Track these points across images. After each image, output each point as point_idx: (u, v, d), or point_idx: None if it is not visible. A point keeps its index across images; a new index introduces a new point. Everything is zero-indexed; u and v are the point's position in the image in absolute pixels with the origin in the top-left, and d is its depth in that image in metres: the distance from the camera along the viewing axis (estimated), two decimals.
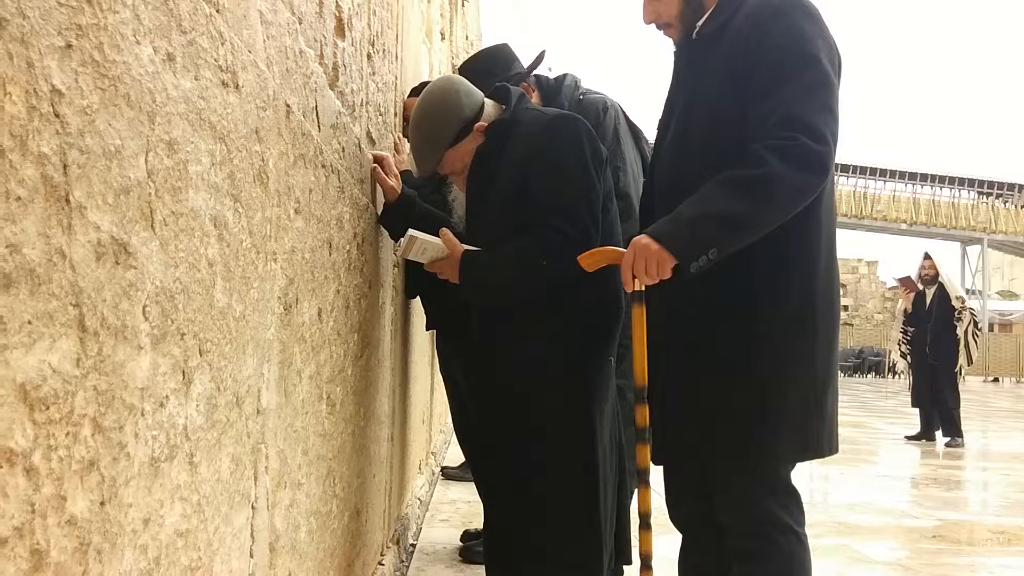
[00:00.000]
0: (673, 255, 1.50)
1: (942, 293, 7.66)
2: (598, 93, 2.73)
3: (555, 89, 2.69)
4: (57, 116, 0.60)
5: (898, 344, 8.11)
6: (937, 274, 7.75)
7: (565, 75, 2.75)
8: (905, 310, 8.06)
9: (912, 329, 7.88)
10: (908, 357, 7.97)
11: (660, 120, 1.75)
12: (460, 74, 2.68)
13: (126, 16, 0.70)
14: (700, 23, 1.70)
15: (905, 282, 8.03)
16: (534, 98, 2.68)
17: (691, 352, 1.63)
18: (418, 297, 2.98)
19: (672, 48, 1.78)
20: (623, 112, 2.72)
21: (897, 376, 19.31)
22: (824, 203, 1.60)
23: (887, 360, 24.21)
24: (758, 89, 1.53)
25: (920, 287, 7.87)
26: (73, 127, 0.62)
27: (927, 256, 7.92)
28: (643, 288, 1.60)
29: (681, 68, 1.73)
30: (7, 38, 0.54)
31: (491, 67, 2.59)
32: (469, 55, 3.77)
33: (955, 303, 7.57)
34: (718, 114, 1.58)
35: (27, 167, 0.57)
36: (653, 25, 1.73)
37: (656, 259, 1.50)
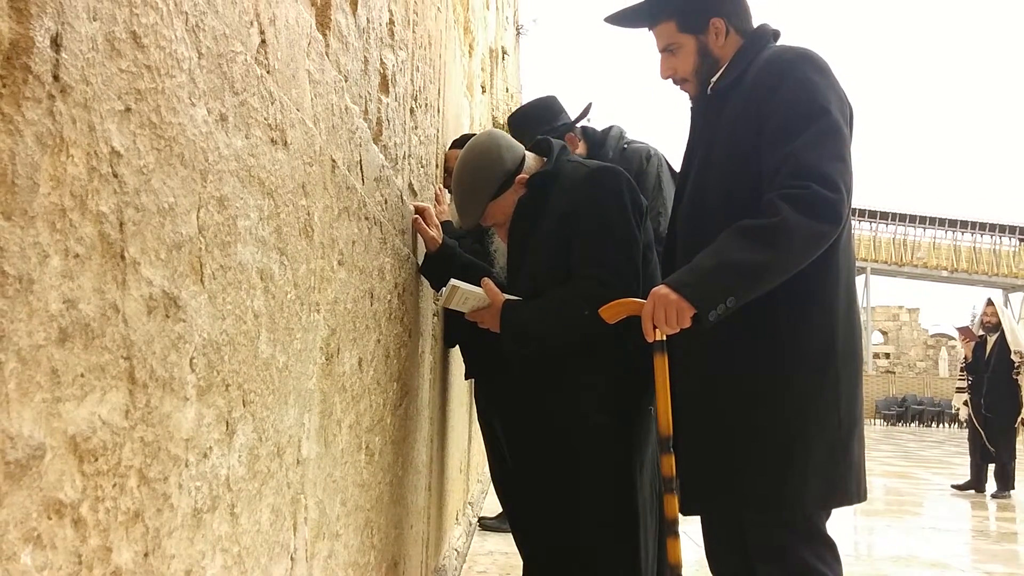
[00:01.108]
0: (691, 304, 1.50)
1: (1003, 342, 7.45)
2: (642, 143, 2.75)
3: (600, 140, 2.72)
4: (115, 176, 0.62)
5: (960, 392, 7.91)
6: (999, 322, 7.54)
7: (611, 127, 2.79)
8: (965, 358, 7.86)
9: (971, 378, 7.67)
10: (969, 404, 7.74)
11: (680, 172, 1.78)
12: (508, 123, 2.73)
13: (182, 80, 0.72)
14: (715, 78, 1.74)
15: (964, 332, 7.85)
16: (580, 148, 2.71)
17: (712, 401, 1.62)
18: (457, 346, 2.98)
19: (689, 103, 1.82)
20: (666, 160, 2.74)
21: (961, 425, 18.78)
22: (841, 247, 1.60)
23: (937, 408, 23.52)
24: (771, 140, 1.56)
25: (980, 335, 7.67)
26: (130, 186, 0.64)
27: (989, 302, 7.72)
28: (664, 338, 1.60)
29: (698, 122, 1.76)
30: (71, 103, 0.56)
31: (539, 117, 2.64)
32: (510, 107, 3.82)
33: (1014, 357, 7.35)
34: (733, 166, 1.60)
35: (86, 225, 0.58)
36: (670, 80, 1.77)
37: (675, 308, 1.52)
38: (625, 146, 2.70)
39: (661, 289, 1.54)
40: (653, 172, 2.62)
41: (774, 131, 1.55)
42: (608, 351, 1.84)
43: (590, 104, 2.73)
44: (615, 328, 1.74)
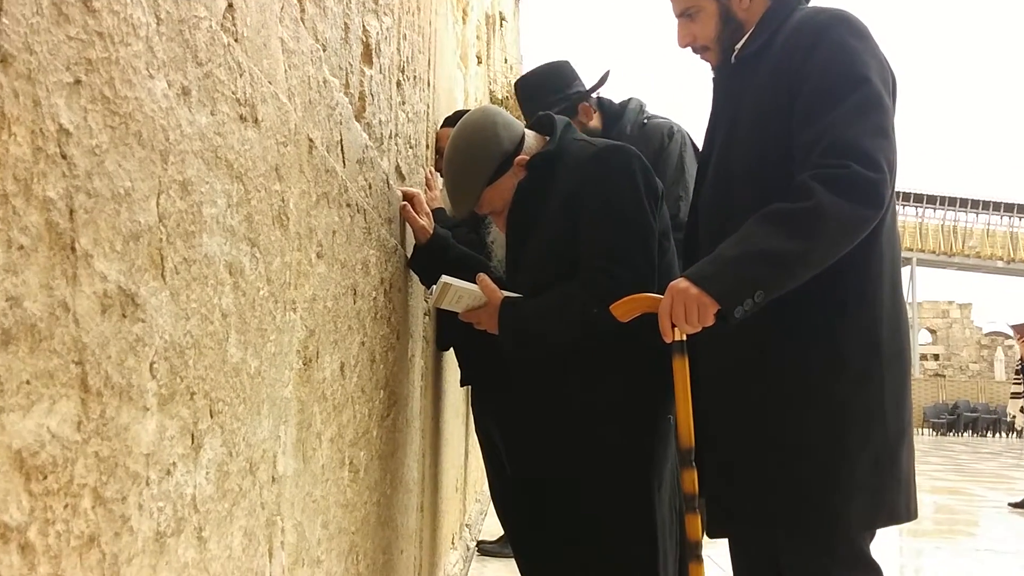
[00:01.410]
0: (715, 299, 1.49)
1: None
2: (663, 118, 2.74)
3: (618, 113, 2.71)
4: (64, 157, 0.61)
5: (1016, 397, 7.88)
6: None
7: (630, 99, 2.77)
8: (1021, 359, 7.84)
9: None
10: None
11: (701, 154, 1.77)
12: (515, 90, 2.73)
13: (139, 49, 0.72)
14: (739, 45, 1.72)
15: (1021, 329, 7.82)
16: (595, 120, 2.70)
17: (742, 413, 1.61)
18: (451, 349, 2.98)
19: (711, 74, 1.80)
20: (690, 139, 2.72)
21: (1019, 435, 18.76)
22: (884, 235, 1.59)
23: (995, 415, 23.48)
24: (804, 114, 1.54)
25: None
26: (81, 169, 0.63)
27: None
28: (684, 338, 1.59)
29: (721, 94, 1.75)
30: (13, 75, 0.56)
31: (550, 83, 2.63)
32: (509, 80, 3.82)
33: None
34: (761, 142, 1.59)
35: (31, 213, 0.58)
36: (689, 49, 1.76)
37: (696, 304, 1.50)
38: (645, 121, 2.69)
39: (680, 283, 1.53)
40: (675, 151, 2.61)
41: (807, 102, 1.53)
42: (620, 353, 1.83)
43: (608, 72, 2.72)
44: (628, 327, 1.73)
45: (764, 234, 1.48)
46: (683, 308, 1.52)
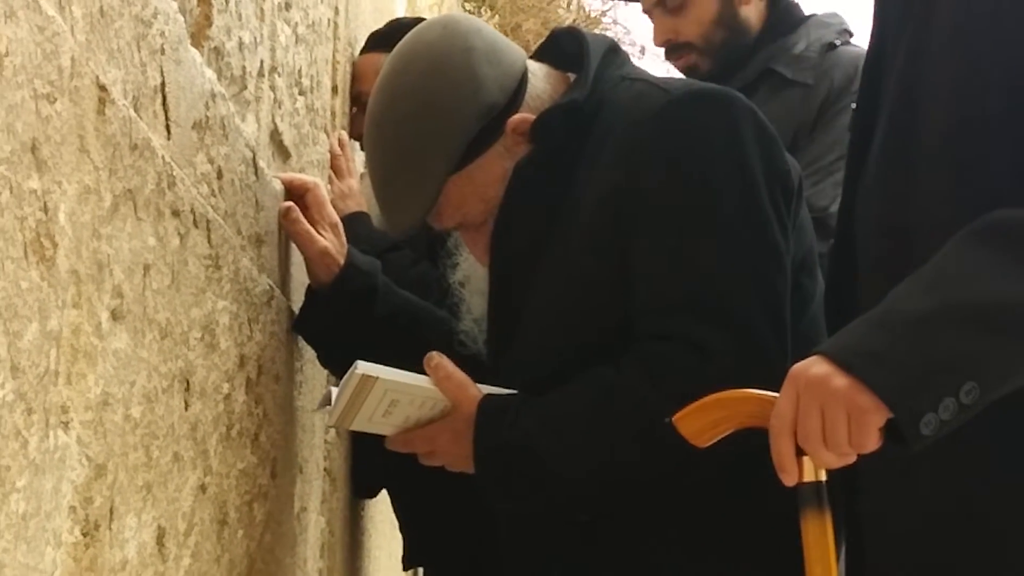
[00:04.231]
0: (883, 400, 1.01)
1: None
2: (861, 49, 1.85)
3: (800, 17, 1.87)
4: None
5: None
6: None
7: (833, 13, 1.97)
8: None
9: None
10: None
11: (859, 95, 1.22)
12: None
13: None
14: None
15: None
16: (751, 7, 1.83)
17: None
18: (385, 495, 2.04)
19: None
20: None
21: None
22: None
23: None
24: None
25: None
26: None
27: None
28: (823, 477, 1.09)
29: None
30: None
31: None
32: None
33: None
34: (972, 86, 1.08)
35: None
36: None
37: (845, 409, 1.01)
38: (838, 42, 1.87)
39: (812, 367, 1.03)
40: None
41: None
42: (726, 500, 1.22)
43: None
44: (716, 458, 1.14)
45: (984, 267, 1.01)
46: (819, 418, 1.02)
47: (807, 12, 1.94)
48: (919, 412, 0.97)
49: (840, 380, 0.99)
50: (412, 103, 1.28)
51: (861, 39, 1.53)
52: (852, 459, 1.02)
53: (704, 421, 1.08)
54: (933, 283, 1.01)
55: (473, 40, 1.27)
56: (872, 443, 0.99)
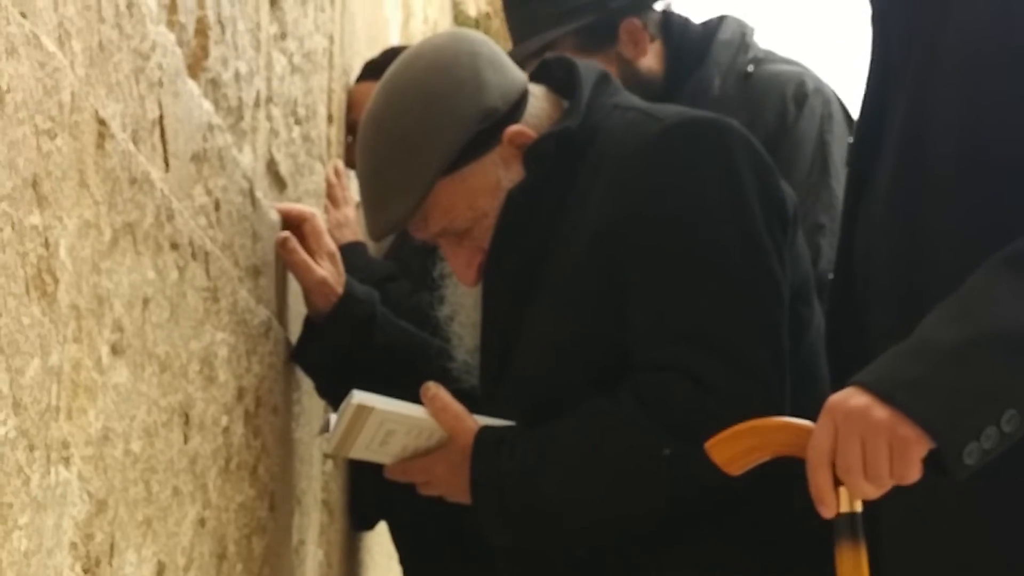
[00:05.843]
0: (926, 430, 0.99)
1: None
2: (788, 62, 1.83)
3: (699, 42, 1.81)
4: None
5: None
6: None
7: (722, 18, 1.87)
8: None
9: None
10: None
11: (859, 118, 1.19)
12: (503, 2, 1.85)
13: None
14: None
15: None
16: (649, 57, 1.78)
17: None
18: (383, 527, 2.01)
19: None
20: (840, 104, 1.80)
21: None
22: None
23: None
24: None
25: None
26: None
27: None
28: (858, 508, 1.06)
29: (888, 23, 1.21)
30: None
31: None
32: None
33: None
34: (995, 95, 1.06)
35: None
36: None
37: (887, 441, 0.99)
38: (750, 68, 1.80)
39: (851, 399, 1.00)
40: (810, 131, 1.73)
41: None
42: (730, 531, 1.20)
43: None
44: (740, 490, 1.12)
45: (1013, 296, 0.98)
46: (859, 448, 0.99)
47: (698, 23, 1.85)
48: (962, 442, 0.95)
49: (881, 411, 0.97)
50: (413, 97, 1.26)
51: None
52: (890, 487, 1.00)
53: (737, 448, 1.05)
54: (965, 312, 1.01)
55: (480, 47, 1.27)
56: (914, 474, 0.97)
